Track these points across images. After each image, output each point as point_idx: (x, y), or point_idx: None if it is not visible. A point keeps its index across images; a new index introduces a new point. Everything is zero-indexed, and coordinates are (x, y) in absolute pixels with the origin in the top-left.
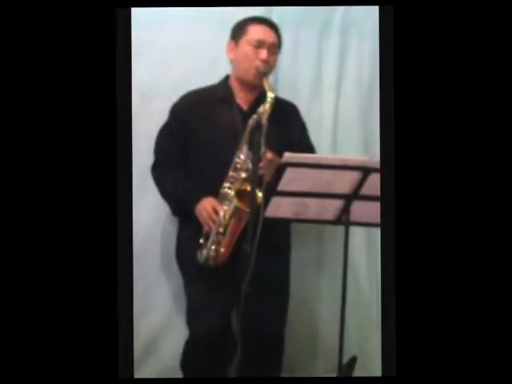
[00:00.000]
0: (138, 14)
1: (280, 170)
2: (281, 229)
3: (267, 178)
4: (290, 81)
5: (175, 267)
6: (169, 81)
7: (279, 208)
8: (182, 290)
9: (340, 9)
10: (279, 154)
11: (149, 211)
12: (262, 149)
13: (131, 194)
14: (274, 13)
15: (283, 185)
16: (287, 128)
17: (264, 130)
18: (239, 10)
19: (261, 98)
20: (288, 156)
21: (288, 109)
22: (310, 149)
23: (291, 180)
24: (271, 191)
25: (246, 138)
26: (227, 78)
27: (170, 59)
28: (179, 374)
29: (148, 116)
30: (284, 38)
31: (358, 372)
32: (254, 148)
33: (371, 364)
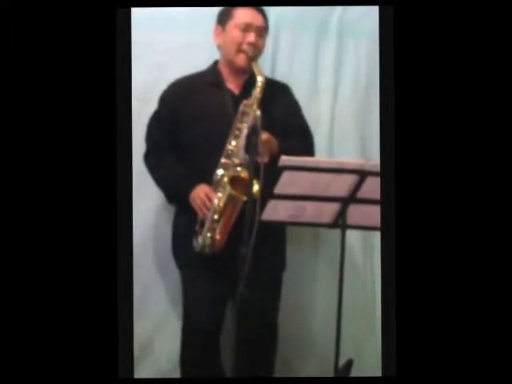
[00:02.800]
0: (135, 15)
1: (277, 173)
2: (276, 230)
3: (265, 160)
4: (287, 82)
5: (171, 266)
6: (167, 82)
7: (276, 211)
8: (179, 289)
9: (337, 11)
10: (274, 129)
11: (146, 212)
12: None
13: (131, 195)
14: (271, 15)
15: (280, 188)
16: (280, 108)
17: (260, 133)
18: None
19: (251, 80)
20: (285, 159)
21: (280, 89)
22: (305, 129)
23: (288, 183)
24: (268, 194)
25: (236, 124)
26: (216, 63)
27: (168, 61)
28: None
29: (146, 117)
30: (281, 39)
31: (354, 375)
32: (250, 151)
33: (368, 367)
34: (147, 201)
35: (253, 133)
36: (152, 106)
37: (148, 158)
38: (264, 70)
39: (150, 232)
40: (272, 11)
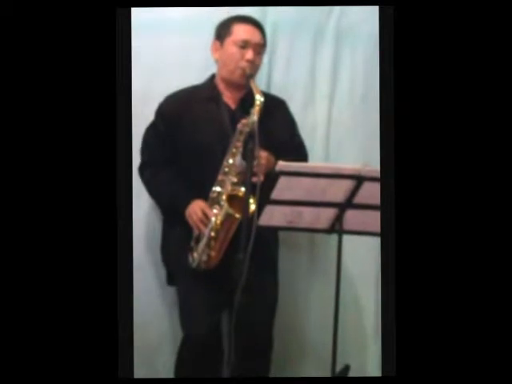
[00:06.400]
0: (135, 15)
1: (273, 178)
2: (268, 235)
3: (261, 178)
4: (284, 88)
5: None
6: (167, 82)
7: (273, 216)
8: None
9: (334, 15)
10: (270, 146)
11: (145, 213)
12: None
13: (131, 195)
14: (268, 19)
15: (277, 193)
16: (277, 125)
17: (257, 139)
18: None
19: (248, 96)
20: (281, 165)
21: (277, 105)
22: (300, 146)
23: (285, 189)
24: (265, 200)
25: (234, 142)
26: (213, 77)
27: (168, 61)
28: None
29: (145, 119)
30: (278, 45)
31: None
32: (247, 158)
33: (367, 368)
34: (147, 202)
35: (249, 139)
36: (152, 106)
37: (143, 170)
38: (261, 75)
39: (150, 233)
40: (269, 16)
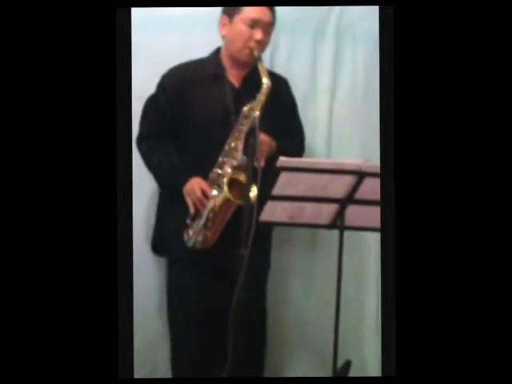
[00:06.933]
0: (135, 15)
1: (274, 174)
2: (263, 231)
3: (261, 164)
4: None
5: None
6: None
7: (274, 212)
8: None
9: (335, 12)
10: (270, 129)
11: (145, 209)
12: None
13: (131, 193)
14: None
15: (278, 189)
16: (278, 103)
17: (258, 135)
18: None
19: (251, 75)
20: (283, 160)
21: (279, 83)
22: (298, 127)
23: (286, 184)
24: (266, 196)
25: (238, 126)
26: (218, 51)
27: (168, 61)
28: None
29: None
30: (279, 41)
31: (354, 375)
32: (248, 153)
33: (367, 367)
34: (146, 199)
35: (250, 134)
36: None
37: (142, 142)
38: None
39: (151, 231)
40: None
